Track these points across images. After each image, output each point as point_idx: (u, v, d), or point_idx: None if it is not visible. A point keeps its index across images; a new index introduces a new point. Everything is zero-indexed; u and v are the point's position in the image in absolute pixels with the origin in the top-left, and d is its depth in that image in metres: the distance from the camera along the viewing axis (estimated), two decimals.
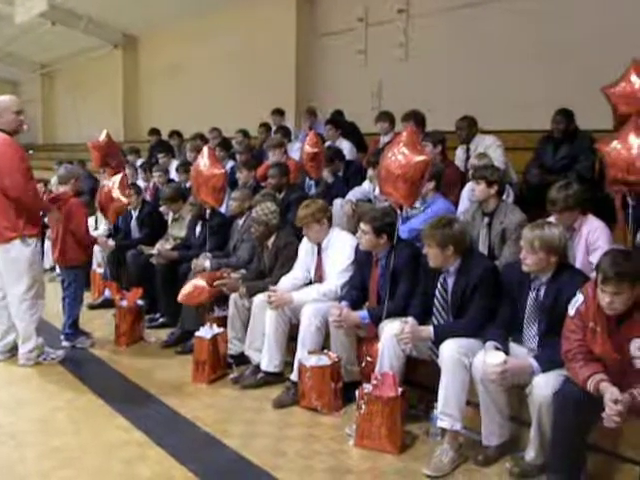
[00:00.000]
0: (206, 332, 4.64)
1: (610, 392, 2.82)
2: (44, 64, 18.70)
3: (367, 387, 3.62)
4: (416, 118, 5.90)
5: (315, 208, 4.49)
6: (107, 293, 6.45)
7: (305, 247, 4.70)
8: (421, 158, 3.92)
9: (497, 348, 3.33)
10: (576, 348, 3.02)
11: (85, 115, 16.57)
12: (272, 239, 4.82)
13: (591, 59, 6.67)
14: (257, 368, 4.52)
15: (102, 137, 7.10)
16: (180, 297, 4.96)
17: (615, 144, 3.80)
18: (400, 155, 3.93)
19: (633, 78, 4.22)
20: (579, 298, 3.06)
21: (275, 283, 4.59)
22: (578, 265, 3.80)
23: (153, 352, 5.29)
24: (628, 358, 2.91)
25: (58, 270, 5.85)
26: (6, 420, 3.97)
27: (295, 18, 10.39)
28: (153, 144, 9.86)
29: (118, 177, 5.98)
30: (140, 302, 5.57)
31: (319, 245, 4.58)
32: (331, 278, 4.46)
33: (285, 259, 4.70)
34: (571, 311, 3.08)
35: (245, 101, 10.80)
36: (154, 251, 6.05)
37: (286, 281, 4.60)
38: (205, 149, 5.53)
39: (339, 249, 4.48)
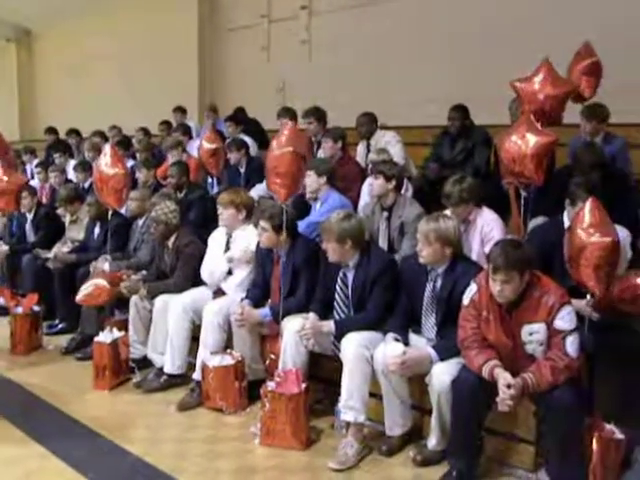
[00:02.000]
0: (106, 336, 4.48)
1: (503, 377, 2.93)
2: None
3: (270, 385, 3.60)
4: (317, 114, 5.91)
5: (241, 197, 4.53)
6: (1, 300, 6.11)
7: (215, 237, 4.64)
8: (286, 150, 3.89)
9: (397, 339, 3.41)
10: (471, 336, 3.12)
11: None
12: (172, 239, 4.70)
13: (490, 55, 6.90)
14: (160, 371, 4.42)
15: None
16: (79, 298, 4.78)
17: (510, 138, 3.93)
18: (274, 149, 3.94)
19: (538, 77, 4.26)
20: (473, 288, 3.16)
21: (177, 284, 4.52)
22: (474, 256, 3.92)
23: (52, 359, 5.07)
24: (519, 344, 3.04)
25: None
26: None
27: (197, 13, 10.24)
28: (50, 143, 9.45)
29: None
30: (37, 308, 5.31)
31: (229, 236, 4.53)
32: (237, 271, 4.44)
33: (186, 259, 4.60)
34: (465, 301, 3.18)
35: (148, 98, 10.52)
36: (50, 255, 5.81)
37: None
38: (107, 147, 5.30)
39: (245, 242, 4.43)
